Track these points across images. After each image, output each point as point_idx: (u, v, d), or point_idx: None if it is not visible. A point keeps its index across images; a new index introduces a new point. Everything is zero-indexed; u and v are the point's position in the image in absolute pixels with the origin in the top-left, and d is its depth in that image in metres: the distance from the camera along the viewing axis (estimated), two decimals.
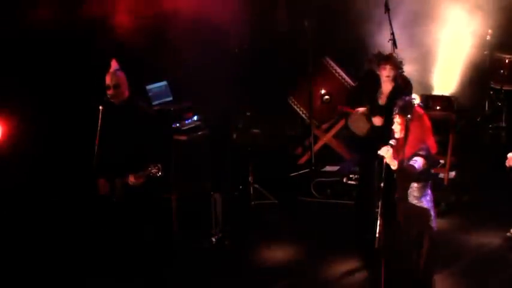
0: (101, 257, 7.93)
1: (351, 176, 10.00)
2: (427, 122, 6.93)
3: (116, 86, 7.45)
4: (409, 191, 6.90)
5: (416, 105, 6.89)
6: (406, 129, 6.79)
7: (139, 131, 7.45)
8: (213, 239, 8.84)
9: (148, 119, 7.63)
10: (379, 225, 6.55)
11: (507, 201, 9.45)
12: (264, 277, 8.17)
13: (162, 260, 8.13)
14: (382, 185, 6.72)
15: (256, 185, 9.90)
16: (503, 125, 11.57)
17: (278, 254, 8.71)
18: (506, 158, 7.52)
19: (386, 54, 8.45)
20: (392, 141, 6.81)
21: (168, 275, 8.04)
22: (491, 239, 8.70)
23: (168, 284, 7.98)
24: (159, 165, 7.25)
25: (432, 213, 6.94)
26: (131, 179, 7.33)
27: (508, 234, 8.68)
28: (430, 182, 6.97)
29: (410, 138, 6.80)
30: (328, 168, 10.55)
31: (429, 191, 6.95)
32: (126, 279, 7.66)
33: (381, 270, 6.74)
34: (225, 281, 8.10)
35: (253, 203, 9.83)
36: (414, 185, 6.88)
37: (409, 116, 6.78)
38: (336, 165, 10.57)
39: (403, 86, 10.31)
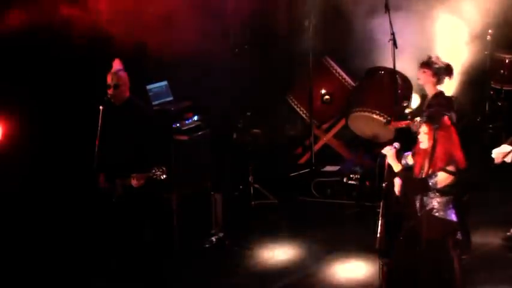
0: (100, 257, 7.92)
1: (351, 176, 10.00)
2: (455, 134, 6.64)
3: (116, 86, 7.47)
4: (433, 205, 6.62)
5: (445, 116, 6.66)
6: (434, 140, 6.51)
7: (139, 131, 7.46)
8: (213, 239, 8.84)
9: (147, 119, 7.64)
10: (380, 225, 6.52)
11: (507, 201, 9.46)
12: (264, 277, 8.17)
13: (162, 260, 8.14)
14: (384, 185, 6.70)
15: (256, 185, 9.90)
16: (503, 125, 11.56)
17: (278, 254, 8.71)
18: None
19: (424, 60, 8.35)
20: (396, 144, 6.75)
21: (168, 275, 8.04)
22: (491, 239, 8.70)
23: (168, 284, 7.98)
24: (164, 168, 7.25)
25: (458, 226, 6.68)
26: (133, 181, 7.32)
27: (508, 234, 8.68)
28: (452, 198, 6.66)
29: (439, 149, 6.52)
30: (328, 168, 10.55)
31: (451, 206, 6.67)
32: (126, 279, 7.66)
33: (381, 271, 6.74)
34: (225, 281, 8.10)
35: (253, 203, 9.83)
36: (438, 199, 6.61)
37: (436, 125, 6.52)
38: (336, 165, 10.56)
39: (403, 86, 10.38)
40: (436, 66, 8.18)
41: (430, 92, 8.38)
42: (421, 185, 6.56)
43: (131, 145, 7.46)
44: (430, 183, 6.51)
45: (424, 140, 6.61)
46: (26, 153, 8.58)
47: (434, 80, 8.25)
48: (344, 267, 8.32)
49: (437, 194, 6.59)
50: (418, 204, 6.70)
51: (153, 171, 7.25)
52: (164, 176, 7.26)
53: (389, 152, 6.63)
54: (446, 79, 8.38)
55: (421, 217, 6.63)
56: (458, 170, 6.58)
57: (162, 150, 7.65)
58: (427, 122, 6.58)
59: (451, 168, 6.53)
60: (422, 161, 6.68)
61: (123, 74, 7.57)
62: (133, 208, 7.52)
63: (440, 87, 8.42)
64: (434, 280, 6.63)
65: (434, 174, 6.51)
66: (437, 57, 8.30)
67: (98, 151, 7.46)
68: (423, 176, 6.59)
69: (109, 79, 7.49)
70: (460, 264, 6.77)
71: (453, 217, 6.67)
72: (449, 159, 6.53)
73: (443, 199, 6.63)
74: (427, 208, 6.62)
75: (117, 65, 7.59)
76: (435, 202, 6.62)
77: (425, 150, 6.64)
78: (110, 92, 7.48)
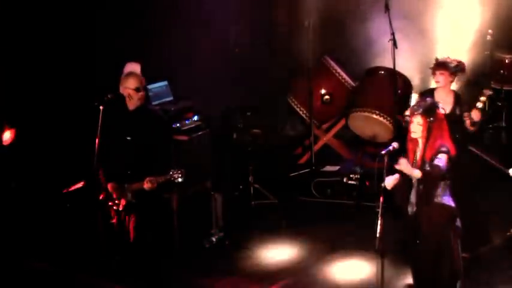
0: (100, 257, 7.92)
1: (351, 176, 10.00)
2: (446, 126, 6.80)
3: (139, 89, 7.43)
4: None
5: (438, 108, 6.77)
6: (428, 131, 6.66)
7: (153, 135, 7.42)
8: (213, 239, 8.85)
9: (161, 124, 7.64)
10: (380, 225, 6.53)
11: (507, 201, 9.45)
12: (264, 277, 8.17)
13: (162, 260, 8.14)
14: (382, 185, 6.70)
15: (257, 185, 9.90)
16: (503, 125, 11.57)
17: (278, 254, 8.71)
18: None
19: (439, 61, 8.10)
20: (395, 144, 6.76)
21: (168, 275, 8.04)
22: (491, 239, 8.70)
23: (168, 284, 7.98)
24: (183, 170, 7.24)
25: (457, 212, 6.78)
26: (147, 185, 7.29)
27: (508, 234, 8.69)
28: (450, 182, 6.78)
29: (431, 141, 6.67)
30: (328, 168, 10.55)
31: (449, 192, 6.79)
32: (126, 279, 7.66)
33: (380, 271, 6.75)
34: (225, 281, 8.10)
35: (253, 203, 9.83)
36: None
37: (431, 118, 6.66)
38: (336, 165, 10.57)
39: (403, 86, 10.38)
40: (452, 65, 8.11)
41: (448, 93, 8.08)
42: (437, 172, 6.62)
43: (144, 150, 7.41)
44: (441, 166, 6.58)
45: (417, 131, 6.72)
46: (30, 154, 8.59)
47: (451, 79, 8.16)
48: (344, 267, 8.32)
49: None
50: (413, 197, 6.78)
51: (171, 173, 7.25)
52: (181, 179, 7.25)
53: (403, 164, 6.62)
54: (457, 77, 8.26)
55: (421, 205, 6.71)
56: (450, 156, 6.69)
57: (171, 154, 7.65)
58: (423, 114, 6.69)
59: (444, 149, 6.66)
60: (415, 148, 6.80)
61: (143, 78, 7.58)
62: (140, 210, 7.51)
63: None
64: (434, 268, 6.67)
65: (436, 158, 6.61)
66: (448, 57, 8.22)
67: (99, 151, 7.44)
68: (421, 164, 6.66)
69: (138, 82, 7.44)
70: (459, 253, 6.86)
71: (451, 203, 6.76)
72: (440, 147, 6.67)
73: (441, 185, 6.72)
74: (426, 196, 6.71)
75: (136, 68, 7.58)
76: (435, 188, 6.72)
77: (416, 139, 6.77)
78: (140, 94, 7.44)
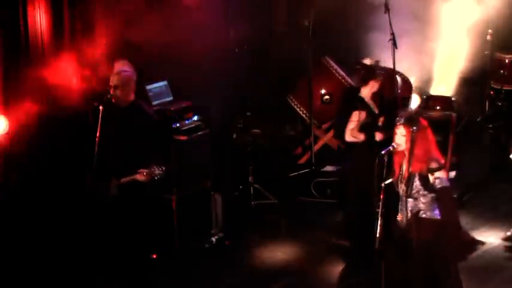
0: (98, 257, 7.92)
1: None
2: (431, 135, 6.60)
3: (116, 87, 7.44)
4: (419, 207, 6.63)
5: (420, 116, 6.60)
6: (412, 141, 6.40)
7: (142, 134, 7.43)
8: (213, 239, 8.85)
9: (152, 124, 7.63)
10: (379, 225, 6.51)
11: (507, 201, 9.46)
12: (264, 277, 8.17)
13: (161, 260, 8.14)
14: (382, 185, 6.68)
15: (256, 185, 9.90)
16: (503, 125, 11.57)
17: (278, 254, 8.71)
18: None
19: (375, 70, 8.13)
20: (395, 144, 6.71)
21: (168, 275, 8.04)
22: (491, 239, 8.71)
23: (168, 284, 7.98)
24: (163, 168, 7.26)
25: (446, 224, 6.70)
26: (139, 176, 7.32)
27: (508, 234, 8.70)
28: (436, 196, 6.63)
29: (417, 151, 6.43)
30: (328, 168, 10.55)
31: (436, 205, 6.65)
32: (126, 279, 7.66)
33: (380, 271, 6.74)
34: (225, 281, 8.10)
35: (253, 203, 9.83)
36: (423, 200, 6.62)
37: (414, 128, 6.41)
38: (336, 165, 10.56)
39: (403, 86, 10.39)
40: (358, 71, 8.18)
41: (370, 95, 8.16)
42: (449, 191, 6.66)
43: (132, 147, 7.43)
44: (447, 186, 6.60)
45: (401, 143, 6.53)
46: (27, 152, 8.59)
47: (363, 84, 8.13)
48: (343, 267, 8.32)
49: (423, 195, 6.61)
50: (403, 209, 6.69)
51: (152, 169, 7.26)
52: (159, 177, 7.27)
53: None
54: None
55: (410, 220, 6.63)
56: (440, 167, 6.55)
57: (163, 154, 7.64)
58: (406, 124, 6.49)
59: (434, 165, 6.49)
60: (401, 160, 6.65)
61: (126, 75, 7.54)
62: (129, 208, 7.51)
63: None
64: (429, 280, 6.65)
65: (436, 179, 6.50)
66: (363, 61, 8.24)
67: (98, 151, 7.45)
68: (408, 177, 6.54)
69: (111, 80, 7.49)
70: (455, 261, 6.85)
71: (439, 216, 6.66)
72: (429, 158, 6.50)
73: (428, 199, 6.63)
74: (414, 211, 6.62)
75: (119, 65, 7.58)
76: (421, 204, 6.65)
77: (402, 151, 6.59)
78: (112, 93, 7.48)
